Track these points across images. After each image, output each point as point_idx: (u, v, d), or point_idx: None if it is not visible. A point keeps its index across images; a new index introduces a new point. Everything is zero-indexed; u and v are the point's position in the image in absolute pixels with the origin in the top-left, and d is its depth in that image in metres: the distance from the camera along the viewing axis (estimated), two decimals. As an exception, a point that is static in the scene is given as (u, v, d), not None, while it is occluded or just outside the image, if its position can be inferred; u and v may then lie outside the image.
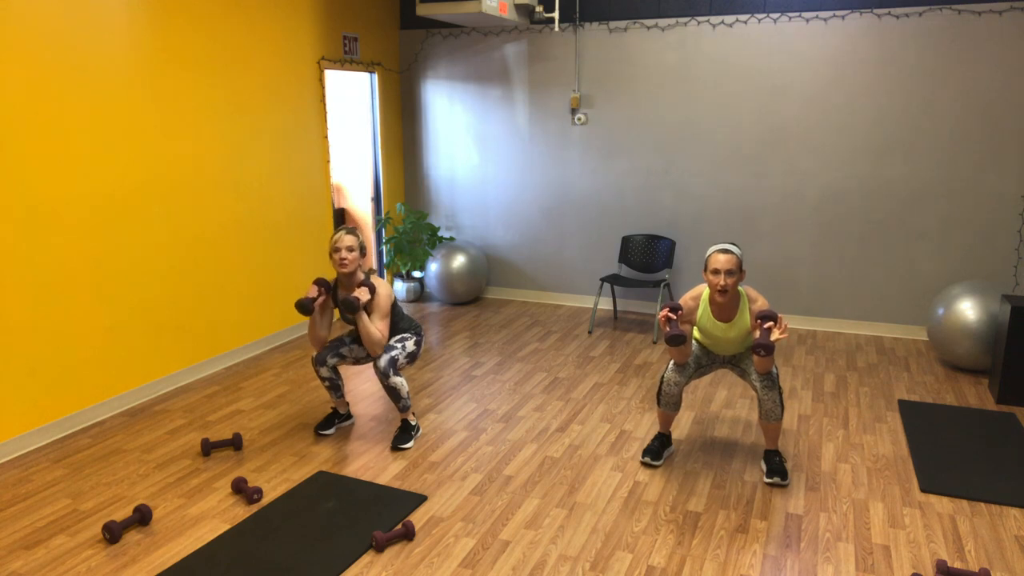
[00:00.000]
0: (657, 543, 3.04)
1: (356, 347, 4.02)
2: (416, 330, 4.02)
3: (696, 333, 3.67)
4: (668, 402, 3.67)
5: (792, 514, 3.24)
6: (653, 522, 3.19)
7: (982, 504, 3.32)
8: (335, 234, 3.77)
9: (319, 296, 3.81)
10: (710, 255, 3.38)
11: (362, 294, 3.69)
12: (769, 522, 3.18)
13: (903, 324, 5.66)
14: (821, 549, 2.99)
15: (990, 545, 3.02)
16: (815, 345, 5.50)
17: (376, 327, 3.73)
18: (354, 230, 3.80)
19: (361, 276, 3.83)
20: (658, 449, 3.73)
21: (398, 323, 3.97)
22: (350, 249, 3.74)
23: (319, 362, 3.95)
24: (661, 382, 3.67)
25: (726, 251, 3.34)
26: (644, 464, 3.70)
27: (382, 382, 3.80)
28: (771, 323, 3.26)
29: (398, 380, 3.82)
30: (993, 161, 5.23)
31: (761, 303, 3.44)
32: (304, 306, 3.73)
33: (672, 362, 3.63)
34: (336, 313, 3.99)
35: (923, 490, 3.43)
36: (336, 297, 3.93)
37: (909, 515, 3.24)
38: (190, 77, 4.63)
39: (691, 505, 3.32)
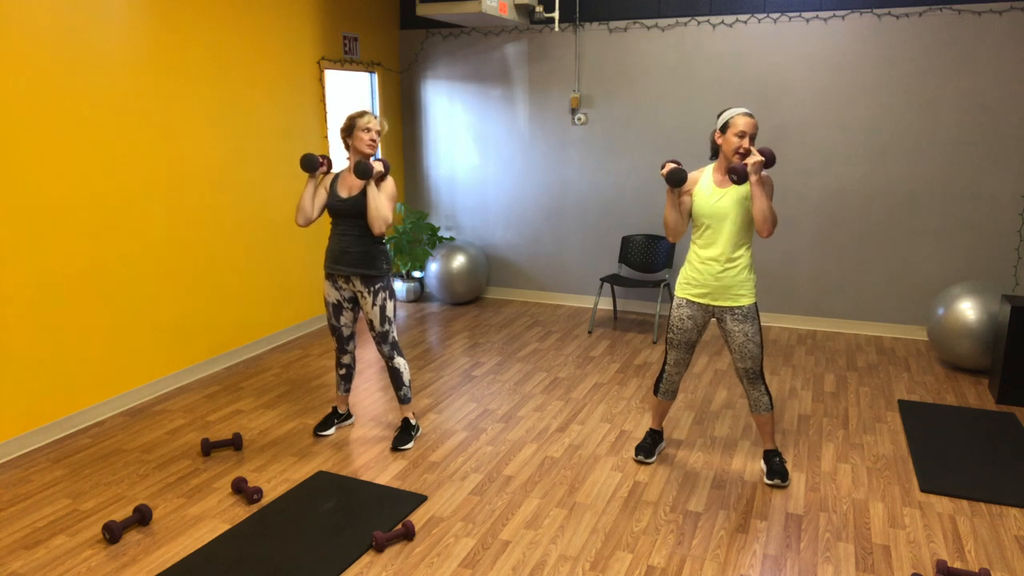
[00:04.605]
0: (657, 543, 3.04)
1: (346, 313, 3.90)
2: (385, 274, 3.85)
3: (694, 213, 3.53)
4: (668, 389, 3.67)
5: (792, 514, 3.24)
6: (653, 522, 3.18)
7: (982, 504, 3.32)
8: (364, 115, 3.63)
9: (324, 164, 3.71)
10: (732, 117, 3.19)
11: (377, 166, 3.60)
12: (769, 522, 3.18)
13: (903, 324, 5.66)
14: (821, 549, 2.99)
15: (990, 545, 3.02)
16: (815, 345, 5.50)
17: (382, 203, 3.62)
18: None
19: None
20: (650, 446, 3.74)
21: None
22: (379, 133, 3.68)
23: (342, 351, 3.97)
24: (663, 371, 3.65)
25: (749, 115, 3.19)
26: (637, 462, 3.70)
27: (386, 363, 3.87)
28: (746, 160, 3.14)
29: (401, 361, 3.87)
30: (993, 161, 5.23)
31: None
32: (311, 159, 3.60)
33: (670, 353, 3.59)
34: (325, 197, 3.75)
35: (923, 490, 3.43)
36: (335, 187, 3.77)
37: (909, 515, 3.24)
38: (190, 77, 4.63)
39: (691, 505, 3.32)
